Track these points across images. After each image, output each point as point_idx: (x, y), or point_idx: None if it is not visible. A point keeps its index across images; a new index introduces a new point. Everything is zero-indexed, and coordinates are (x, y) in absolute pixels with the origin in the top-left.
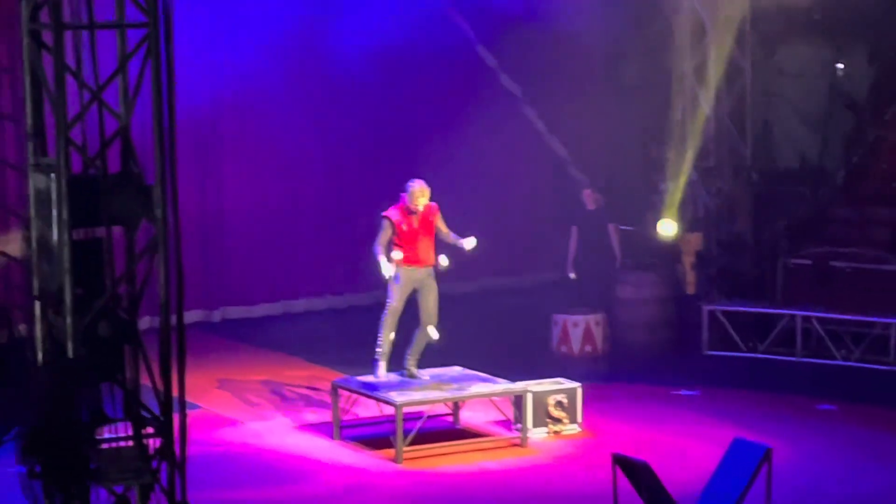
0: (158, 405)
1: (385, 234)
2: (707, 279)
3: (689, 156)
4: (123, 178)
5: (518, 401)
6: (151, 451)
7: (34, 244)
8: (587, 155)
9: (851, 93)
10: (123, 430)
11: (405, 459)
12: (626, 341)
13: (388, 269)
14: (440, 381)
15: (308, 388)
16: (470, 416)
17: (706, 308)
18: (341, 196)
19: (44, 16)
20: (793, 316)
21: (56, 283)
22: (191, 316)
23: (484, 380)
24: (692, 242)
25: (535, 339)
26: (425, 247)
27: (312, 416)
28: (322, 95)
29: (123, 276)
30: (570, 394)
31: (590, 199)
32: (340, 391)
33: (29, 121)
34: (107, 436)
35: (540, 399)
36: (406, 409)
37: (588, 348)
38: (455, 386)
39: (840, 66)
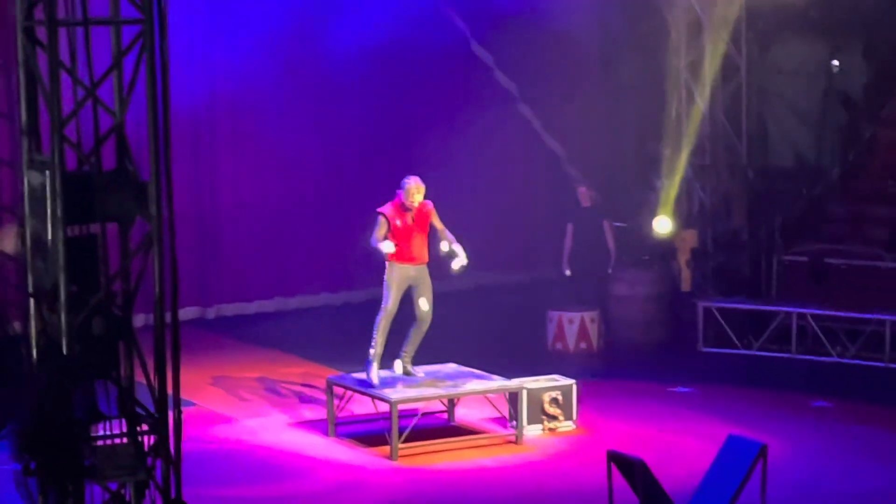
0: (153, 402)
1: (380, 230)
2: (702, 276)
3: (685, 153)
4: (118, 175)
5: (513, 398)
6: (146, 448)
7: (28, 241)
8: (583, 152)
9: (847, 90)
10: (118, 427)
11: (400, 456)
12: (622, 338)
13: (388, 247)
14: (435, 378)
15: (303, 385)
16: (465, 414)
17: (702, 305)
18: (336, 193)
19: (38, 12)
20: (788, 313)
21: (50, 281)
22: (185, 313)
23: (479, 377)
24: (688, 239)
25: (530, 335)
26: (419, 244)
27: (307, 413)
28: (318, 92)
29: (118, 273)
30: (566, 391)
31: (585, 196)
32: (335, 388)
33: (23, 118)
34: (101, 433)
35: (535, 396)
36: (401, 406)
37: (583, 345)
38: (450, 383)
39: (836, 63)
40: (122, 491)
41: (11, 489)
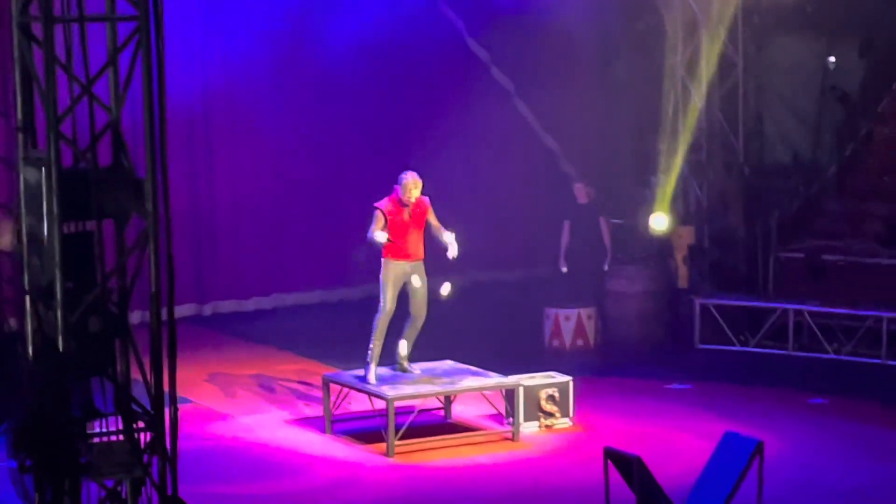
0: (149, 399)
1: (378, 225)
2: (699, 273)
3: (681, 150)
4: (114, 171)
5: (510, 395)
6: (142, 445)
7: (24, 238)
8: (579, 149)
9: (843, 87)
10: (114, 424)
11: (396, 453)
12: (618, 335)
13: (382, 236)
14: (432, 375)
15: (299, 382)
16: (462, 410)
17: (698, 302)
18: (333, 190)
19: (34, 9)
20: (785, 310)
21: (46, 277)
22: (182, 310)
23: (475, 374)
24: (684, 236)
25: (526, 332)
26: (415, 240)
27: (304, 409)
28: (314, 89)
29: (114, 270)
30: (562, 388)
31: (581, 193)
32: (332, 385)
33: (19, 114)
34: (98, 430)
35: (532, 393)
36: (397, 404)
37: (580, 342)
38: (447, 380)
39: (832, 59)
40: (119, 488)
41: (8, 486)
